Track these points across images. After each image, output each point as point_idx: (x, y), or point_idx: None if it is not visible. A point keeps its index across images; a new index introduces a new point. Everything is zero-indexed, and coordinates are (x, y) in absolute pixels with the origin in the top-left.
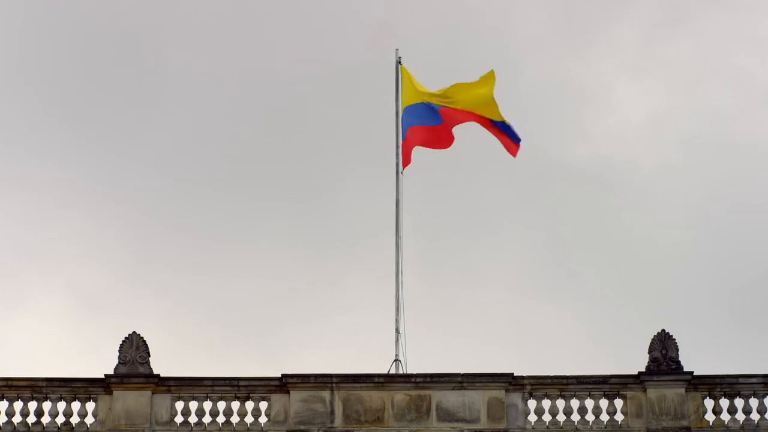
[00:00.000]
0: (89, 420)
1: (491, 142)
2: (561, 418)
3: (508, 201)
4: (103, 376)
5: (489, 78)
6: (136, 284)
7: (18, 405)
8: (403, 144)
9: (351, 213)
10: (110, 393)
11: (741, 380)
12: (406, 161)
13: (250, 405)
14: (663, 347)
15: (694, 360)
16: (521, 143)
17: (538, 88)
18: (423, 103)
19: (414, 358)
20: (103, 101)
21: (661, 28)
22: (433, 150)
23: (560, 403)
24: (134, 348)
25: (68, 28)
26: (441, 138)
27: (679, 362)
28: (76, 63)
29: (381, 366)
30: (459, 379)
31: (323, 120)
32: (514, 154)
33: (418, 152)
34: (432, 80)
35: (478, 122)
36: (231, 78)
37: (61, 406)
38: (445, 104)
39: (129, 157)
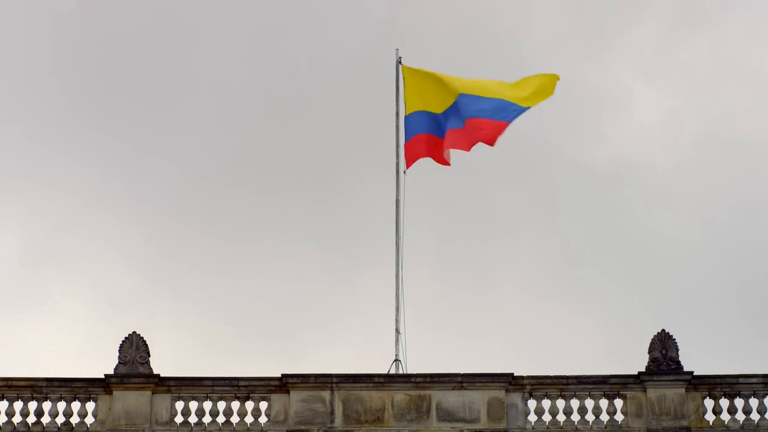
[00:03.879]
0: (89, 420)
1: (501, 143)
2: (561, 418)
3: (520, 203)
4: (102, 376)
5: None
6: (140, 283)
7: (18, 405)
8: (406, 146)
9: (355, 213)
10: (110, 393)
11: (741, 380)
12: (410, 163)
13: (250, 405)
14: (663, 347)
15: (694, 360)
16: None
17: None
18: (426, 111)
19: (414, 358)
20: (122, 103)
21: (676, 31)
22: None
23: (560, 403)
24: (134, 348)
25: (91, 31)
26: (462, 139)
27: (679, 362)
28: (99, 65)
29: (381, 366)
30: (459, 379)
31: (326, 120)
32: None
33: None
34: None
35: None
36: (233, 79)
37: (61, 406)
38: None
39: (144, 158)
